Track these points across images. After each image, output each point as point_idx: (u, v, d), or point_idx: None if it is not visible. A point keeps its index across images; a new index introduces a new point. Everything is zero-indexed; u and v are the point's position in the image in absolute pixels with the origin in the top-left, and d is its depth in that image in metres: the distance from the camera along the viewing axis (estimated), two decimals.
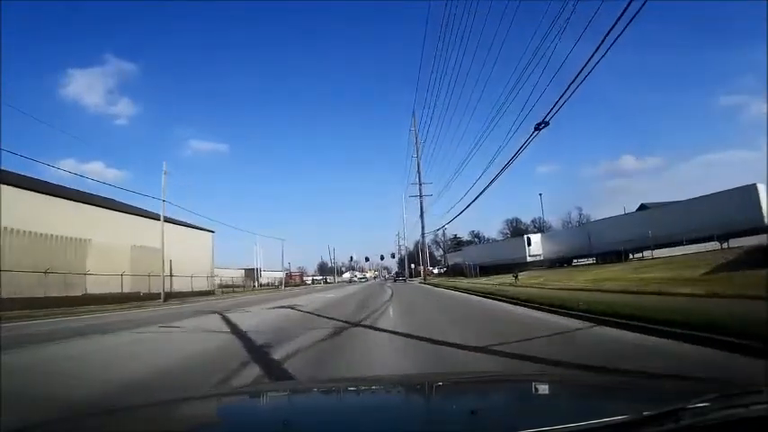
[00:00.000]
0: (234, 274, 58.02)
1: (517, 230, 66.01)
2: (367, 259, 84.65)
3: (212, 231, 43.43)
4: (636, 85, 78.88)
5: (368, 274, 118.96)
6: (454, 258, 63.10)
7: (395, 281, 60.79)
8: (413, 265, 76.31)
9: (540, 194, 57.33)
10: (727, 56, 72.91)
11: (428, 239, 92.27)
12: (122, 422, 1.41)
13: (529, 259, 43.46)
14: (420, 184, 46.05)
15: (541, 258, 43.82)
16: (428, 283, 39.10)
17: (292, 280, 74.15)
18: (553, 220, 64.61)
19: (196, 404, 1.73)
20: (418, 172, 46.34)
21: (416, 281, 55.79)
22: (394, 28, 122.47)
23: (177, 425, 1.39)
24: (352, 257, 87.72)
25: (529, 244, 43.37)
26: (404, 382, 2.25)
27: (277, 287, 52.02)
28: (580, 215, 62.43)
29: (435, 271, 75.05)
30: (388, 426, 1.23)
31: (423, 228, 45.52)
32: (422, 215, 45.82)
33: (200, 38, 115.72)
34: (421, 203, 45.67)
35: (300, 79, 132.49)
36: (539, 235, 44.56)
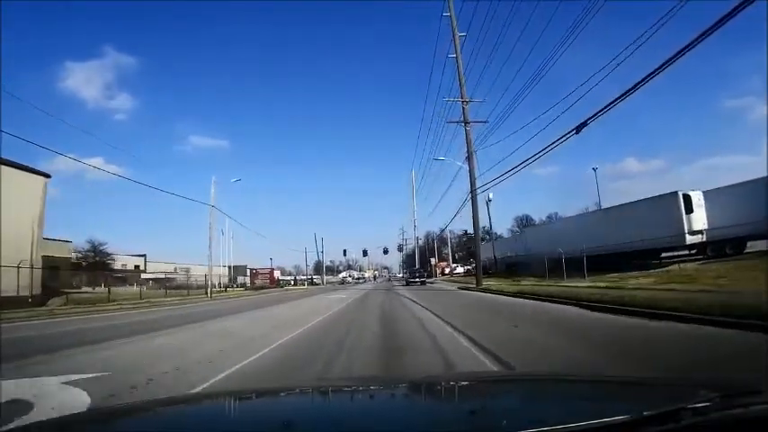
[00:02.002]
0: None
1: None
2: (365, 253, 62.42)
3: (45, 176, 21.34)
4: (641, 89, 70.11)
5: (367, 274, 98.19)
6: (500, 249, 41.24)
7: (407, 283, 38.60)
8: (433, 261, 54.59)
9: (595, 169, 44.84)
10: (732, 58, 71.11)
11: (425, 235, 70.48)
12: (122, 422, 1.37)
13: (689, 239, 21.71)
14: (464, 102, 24.15)
15: (702, 239, 22.20)
16: (515, 294, 16.96)
17: (256, 280, 51.99)
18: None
19: (196, 404, 1.71)
20: (459, 81, 24.50)
21: (444, 284, 33.85)
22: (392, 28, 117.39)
23: (177, 425, 1.34)
24: (345, 251, 65.48)
25: (689, 209, 21.46)
26: (404, 383, 2.21)
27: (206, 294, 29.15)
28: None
29: (460, 270, 53.97)
30: (387, 426, 1.19)
31: (473, 176, 23.44)
32: (469, 157, 23.84)
33: (199, 33, 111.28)
34: (467, 134, 23.71)
35: (299, 77, 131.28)
36: (699, 192, 22.56)
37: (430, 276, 47.23)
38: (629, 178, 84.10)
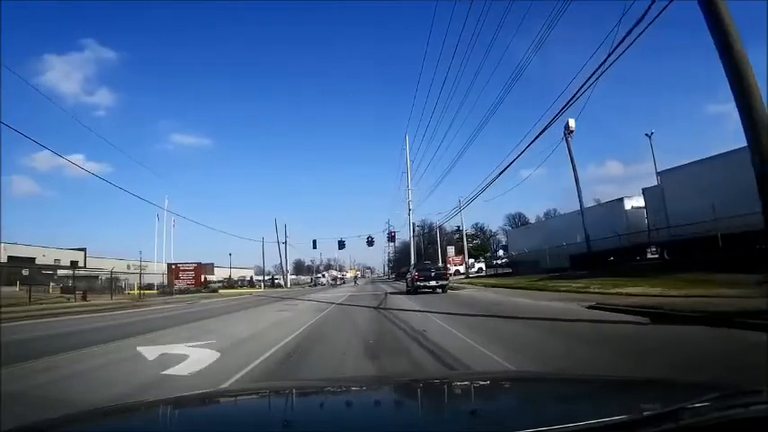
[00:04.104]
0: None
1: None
2: (341, 245, 43.84)
3: None
4: (624, 92, 76.60)
5: (348, 275, 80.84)
6: (532, 239, 24.71)
7: (411, 290, 20.91)
8: (450, 251, 37.43)
9: (649, 135, 33.58)
10: (715, 62, 53.43)
11: (421, 222, 56.17)
12: (122, 422, 1.35)
13: None
14: None
15: None
16: None
17: (178, 279, 33.93)
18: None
19: (196, 404, 1.65)
20: None
21: (489, 292, 16.83)
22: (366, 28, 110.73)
23: (177, 425, 1.34)
24: (315, 242, 47.38)
25: None
26: (404, 382, 2.17)
27: None
28: None
29: (476, 268, 37.45)
30: (388, 426, 1.18)
31: None
32: None
33: (184, 28, 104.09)
34: None
35: (292, 77, 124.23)
36: None
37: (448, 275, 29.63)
38: (614, 182, 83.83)
